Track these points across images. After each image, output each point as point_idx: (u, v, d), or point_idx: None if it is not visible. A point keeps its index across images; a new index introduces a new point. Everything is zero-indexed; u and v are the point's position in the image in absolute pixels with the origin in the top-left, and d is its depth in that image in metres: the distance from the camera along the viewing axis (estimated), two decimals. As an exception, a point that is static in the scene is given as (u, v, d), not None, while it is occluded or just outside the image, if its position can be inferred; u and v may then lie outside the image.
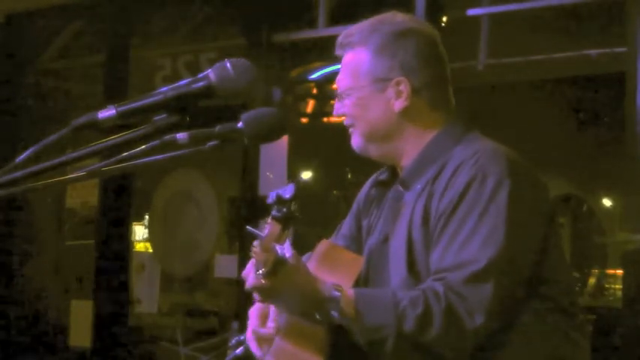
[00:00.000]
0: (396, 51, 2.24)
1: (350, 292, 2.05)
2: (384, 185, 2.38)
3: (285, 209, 2.09)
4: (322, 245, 2.34)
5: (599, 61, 5.21)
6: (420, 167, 2.24)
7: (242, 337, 2.29)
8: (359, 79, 2.26)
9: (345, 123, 2.32)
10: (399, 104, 2.24)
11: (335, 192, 6.89)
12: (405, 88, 2.23)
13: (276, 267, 1.87)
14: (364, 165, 2.44)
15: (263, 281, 1.91)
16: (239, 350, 2.26)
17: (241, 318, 5.39)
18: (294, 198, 2.11)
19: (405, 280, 2.17)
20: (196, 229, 6.46)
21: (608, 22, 4.98)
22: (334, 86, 2.36)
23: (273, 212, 2.09)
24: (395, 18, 2.30)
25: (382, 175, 2.40)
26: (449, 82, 2.31)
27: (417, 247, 2.16)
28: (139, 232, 7.11)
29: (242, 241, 5.69)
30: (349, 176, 6.67)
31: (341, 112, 2.31)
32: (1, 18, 6.70)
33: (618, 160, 4.69)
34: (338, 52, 2.33)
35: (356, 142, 2.31)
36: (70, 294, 6.64)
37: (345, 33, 2.31)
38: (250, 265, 2.08)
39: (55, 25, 6.85)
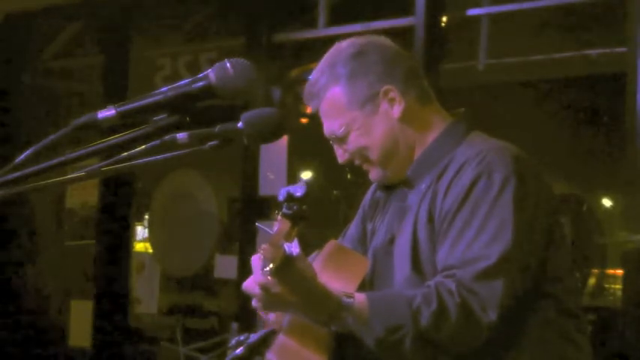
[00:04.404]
0: (364, 69, 2.25)
1: (361, 296, 2.04)
2: (388, 188, 2.38)
3: (295, 207, 2.08)
4: (329, 246, 2.34)
5: (599, 61, 5.21)
6: (424, 167, 2.24)
7: (242, 338, 2.28)
8: (348, 112, 2.26)
9: (356, 164, 2.31)
10: (396, 110, 2.25)
11: (335, 192, 6.88)
12: (394, 93, 2.25)
13: (284, 264, 1.85)
14: (364, 165, 2.43)
15: (269, 278, 1.89)
16: (239, 350, 2.25)
17: (241, 318, 5.39)
18: (305, 197, 2.10)
19: (408, 278, 2.17)
20: (196, 229, 6.45)
21: (608, 22, 4.98)
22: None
23: (284, 209, 2.08)
24: (342, 45, 2.31)
25: None
26: (422, 77, 2.33)
27: (422, 245, 2.17)
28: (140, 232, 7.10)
29: (242, 242, 5.69)
30: (349, 176, 6.66)
31: (348, 155, 2.29)
32: (1, 18, 6.69)
33: (618, 160, 4.69)
34: (312, 105, 2.31)
35: (375, 174, 2.31)
36: (70, 294, 6.64)
37: (308, 85, 2.31)
38: (251, 280, 2.07)
39: (55, 25, 6.84)
